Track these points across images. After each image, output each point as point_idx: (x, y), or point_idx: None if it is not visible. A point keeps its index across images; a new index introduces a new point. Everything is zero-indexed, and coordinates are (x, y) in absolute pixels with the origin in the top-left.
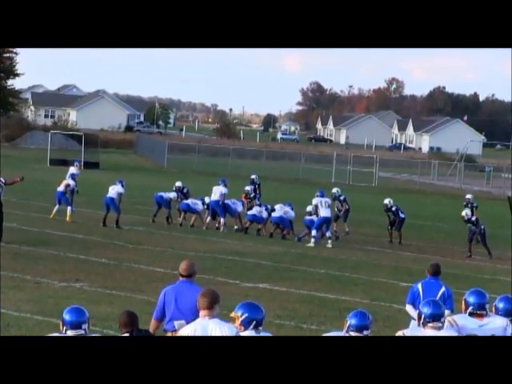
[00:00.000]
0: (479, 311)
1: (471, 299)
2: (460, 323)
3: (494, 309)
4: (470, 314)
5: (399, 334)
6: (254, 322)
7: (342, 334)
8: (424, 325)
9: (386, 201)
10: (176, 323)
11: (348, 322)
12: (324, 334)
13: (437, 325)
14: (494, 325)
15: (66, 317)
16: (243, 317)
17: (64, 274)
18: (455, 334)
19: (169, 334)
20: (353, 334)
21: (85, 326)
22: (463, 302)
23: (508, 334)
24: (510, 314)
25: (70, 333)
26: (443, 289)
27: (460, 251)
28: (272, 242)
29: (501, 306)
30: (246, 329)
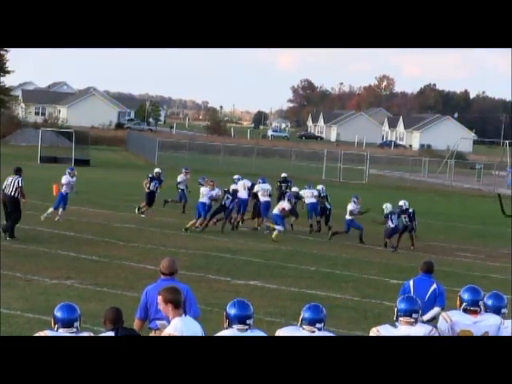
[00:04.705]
0: (473, 307)
1: (465, 296)
2: (454, 319)
3: (483, 306)
4: (464, 311)
5: (373, 330)
6: (242, 318)
7: (297, 327)
8: (397, 320)
9: (401, 202)
10: (159, 323)
11: (301, 316)
12: (278, 330)
13: (409, 320)
14: (488, 322)
15: (58, 314)
16: (231, 314)
17: (55, 272)
18: (428, 330)
19: (152, 333)
20: (306, 327)
21: (76, 324)
22: (458, 298)
23: (502, 331)
24: (499, 310)
25: (61, 331)
26: (434, 286)
27: (451, 248)
28: (263, 239)
29: (489, 303)
30: (230, 326)
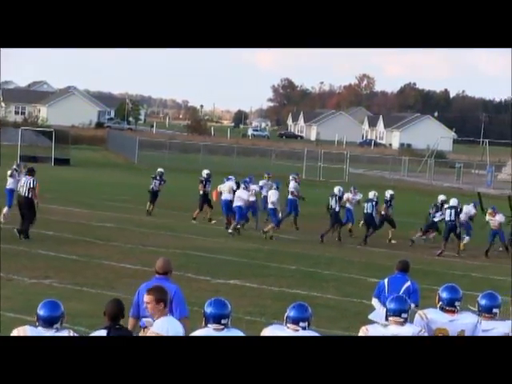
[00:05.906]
0: (448, 307)
1: (443, 294)
2: (429, 317)
3: (476, 305)
4: (441, 309)
5: (363, 329)
6: (217, 317)
7: (281, 326)
8: (387, 319)
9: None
10: (145, 321)
11: (286, 314)
12: (264, 329)
13: (398, 320)
14: (464, 320)
15: (40, 312)
16: (207, 312)
17: (34, 271)
18: (417, 330)
19: (141, 332)
20: (290, 326)
21: (57, 325)
22: (437, 295)
23: (478, 330)
24: (490, 310)
25: (41, 329)
26: (408, 283)
27: (431, 247)
28: (244, 238)
29: (482, 302)
30: (206, 325)
